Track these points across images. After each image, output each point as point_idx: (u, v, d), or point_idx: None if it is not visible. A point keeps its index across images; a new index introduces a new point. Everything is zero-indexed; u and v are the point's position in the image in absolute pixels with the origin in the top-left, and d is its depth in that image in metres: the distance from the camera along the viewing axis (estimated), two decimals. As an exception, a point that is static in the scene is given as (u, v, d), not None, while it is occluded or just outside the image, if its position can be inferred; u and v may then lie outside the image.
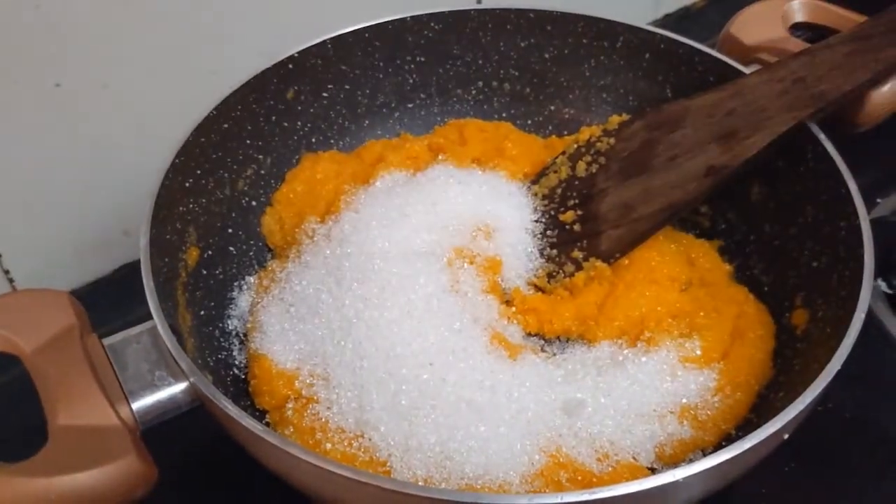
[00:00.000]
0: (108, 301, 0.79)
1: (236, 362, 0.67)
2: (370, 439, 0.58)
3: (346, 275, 0.66)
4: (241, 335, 0.69)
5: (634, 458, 0.58)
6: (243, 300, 0.72)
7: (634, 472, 0.57)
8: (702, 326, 0.66)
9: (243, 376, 0.66)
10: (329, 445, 0.58)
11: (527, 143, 0.82)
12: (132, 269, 0.85)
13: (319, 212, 0.74)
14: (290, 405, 0.62)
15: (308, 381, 0.62)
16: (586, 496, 0.45)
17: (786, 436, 0.51)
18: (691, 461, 0.57)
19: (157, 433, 0.55)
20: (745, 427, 0.62)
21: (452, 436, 0.57)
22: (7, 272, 0.81)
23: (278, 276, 0.70)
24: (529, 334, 0.69)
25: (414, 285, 0.65)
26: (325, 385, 0.61)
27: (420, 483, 0.55)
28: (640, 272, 0.69)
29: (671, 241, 0.72)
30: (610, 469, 0.57)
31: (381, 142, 0.82)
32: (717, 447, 0.60)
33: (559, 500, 0.45)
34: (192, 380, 0.53)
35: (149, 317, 0.56)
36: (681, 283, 0.69)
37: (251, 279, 0.73)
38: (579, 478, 0.56)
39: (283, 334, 0.65)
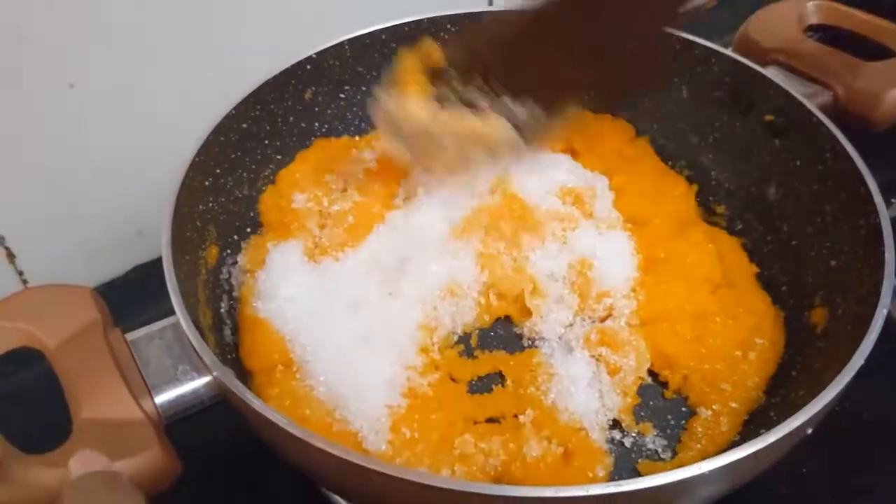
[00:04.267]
0: (121, 301, 0.78)
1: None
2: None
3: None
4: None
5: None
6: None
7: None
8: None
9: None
10: (308, 412, 0.60)
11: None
12: (146, 269, 0.86)
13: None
14: (279, 369, 0.63)
15: (297, 350, 0.63)
16: (612, 489, 0.45)
17: (809, 430, 0.51)
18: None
19: (180, 427, 0.55)
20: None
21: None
22: (21, 273, 0.81)
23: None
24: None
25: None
26: (308, 357, 0.63)
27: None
28: (677, 268, 0.70)
29: (709, 240, 0.73)
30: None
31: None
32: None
33: (585, 493, 0.45)
34: (215, 374, 0.53)
35: (162, 317, 0.57)
36: (713, 284, 0.69)
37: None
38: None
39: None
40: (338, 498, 0.61)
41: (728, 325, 0.66)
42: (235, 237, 0.72)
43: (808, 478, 0.65)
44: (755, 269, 0.72)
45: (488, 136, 0.65)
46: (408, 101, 0.65)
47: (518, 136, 0.66)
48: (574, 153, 0.79)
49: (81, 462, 0.48)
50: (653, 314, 0.67)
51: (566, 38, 0.63)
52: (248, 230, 0.73)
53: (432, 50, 0.66)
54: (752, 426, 0.62)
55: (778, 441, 0.48)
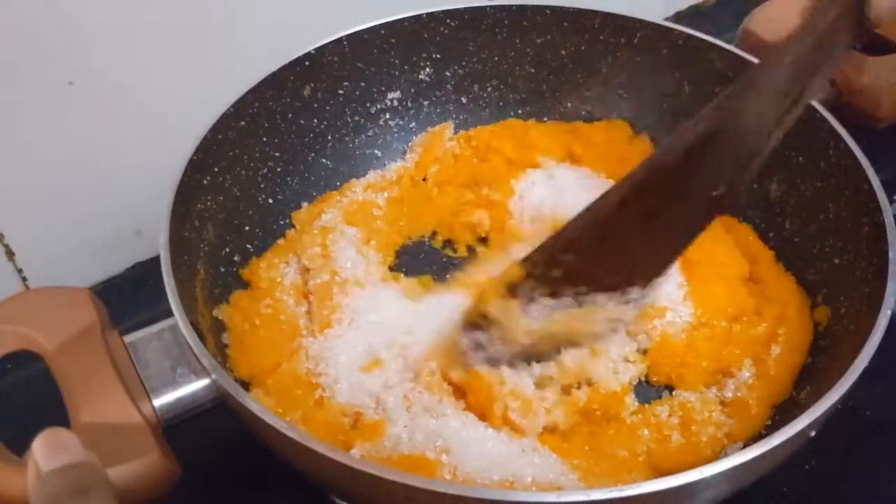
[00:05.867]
0: (120, 300, 0.78)
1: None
2: None
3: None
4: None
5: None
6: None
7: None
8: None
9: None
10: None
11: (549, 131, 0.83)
12: (144, 268, 0.86)
13: None
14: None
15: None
16: (615, 493, 0.45)
17: (813, 433, 0.51)
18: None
19: (179, 431, 0.55)
20: (770, 425, 0.61)
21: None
22: (20, 271, 0.81)
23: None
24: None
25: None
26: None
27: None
28: (710, 267, 0.70)
29: (725, 230, 0.73)
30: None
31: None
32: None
33: (587, 498, 0.44)
34: (213, 377, 0.52)
35: (162, 315, 0.56)
36: (744, 279, 0.69)
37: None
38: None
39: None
40: (339, 502, 0.60)
41: (755, 322, 0.66)
42: (234, 236, 0.71)
43: (811, 475, 0.65)
44: (770, 252, 0.72)
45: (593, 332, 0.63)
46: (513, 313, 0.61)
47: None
48: (575, 159, 0.79)
49: (46, 449, 0.41)
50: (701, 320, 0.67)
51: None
52: (247, 229, 0.73)
53: (514, 269, 0.62)
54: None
55: (780, 445, 0.47)
